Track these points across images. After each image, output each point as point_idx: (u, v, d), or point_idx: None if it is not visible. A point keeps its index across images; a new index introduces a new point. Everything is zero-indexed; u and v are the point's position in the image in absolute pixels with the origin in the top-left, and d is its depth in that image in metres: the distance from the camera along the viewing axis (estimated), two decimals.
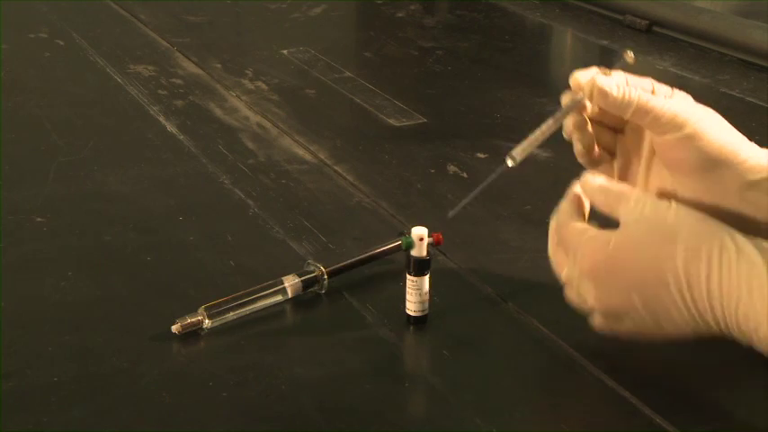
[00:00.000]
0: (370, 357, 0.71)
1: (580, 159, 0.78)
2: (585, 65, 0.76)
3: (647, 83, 0.74)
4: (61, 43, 1.39)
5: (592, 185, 0.72)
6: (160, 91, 1.21)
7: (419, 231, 0.74)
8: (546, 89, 1.26)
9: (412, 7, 1.63)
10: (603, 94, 0.72)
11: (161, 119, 1.13)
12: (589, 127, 0.76)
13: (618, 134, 0.77)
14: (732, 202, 0.72)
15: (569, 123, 0.76)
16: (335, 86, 1.26)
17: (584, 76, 0.74)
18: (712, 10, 1.45)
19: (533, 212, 0.93)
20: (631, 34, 1.45)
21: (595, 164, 0.78)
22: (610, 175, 0.78)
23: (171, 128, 1.10)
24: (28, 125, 1.11)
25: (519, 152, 0.75)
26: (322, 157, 1.04)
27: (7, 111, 1.14)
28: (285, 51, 1.39)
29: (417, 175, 1.01)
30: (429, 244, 0.74)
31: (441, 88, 1.28)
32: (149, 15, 1.53)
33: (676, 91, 0.74)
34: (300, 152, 1.05)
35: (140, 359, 0.69)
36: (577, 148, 0.77)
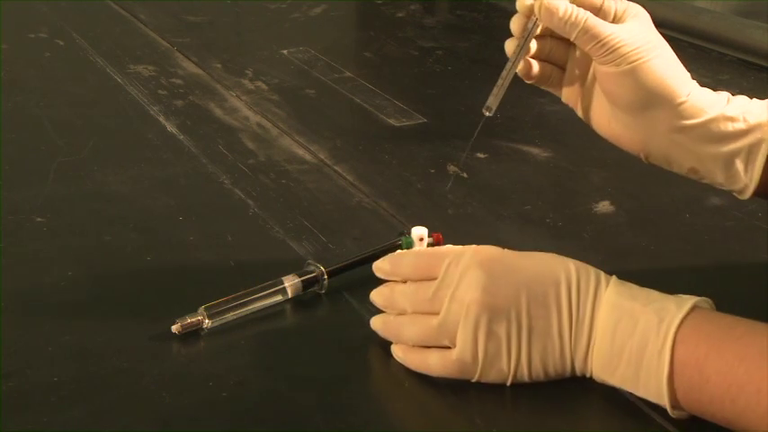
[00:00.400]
0: (370, 357, 0.71)
1: (524, 79, 0.77)
2: None
3: None
4: (61, 43, 1.39)
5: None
6: (160, 91, 1.21)
7: (419, 231, 0.74)
8: None
9: (412, 7, 1.63)
10: (550, 12, 0.71)
11: (161, 119, 1.13)
12: (531, 49, 0.75)
13: (571, 47, 0.76)
14: (661, 143, 0.73)
15: (510, 47, 0.75)
16: (335, 86, 1.26)
17: None
18: (712, 10, 1.45)
19: (533, 212, 0.93)
20: None
21: (542, 81, 0.77)
22: (558, 92, 0.78)
23: (171, 128, 1.10)
24: (28, 125, 1.11)
25: (492, 101, 0.75)
26: (322, 157, 1.04)
27: (7, 111, 1.14)
28: (285, 51, 1.39)
29: (417, 175, 1.01)
30: (429, 244, 0.74)
31: (441, 88, 1.28)
32: (149, 15, 1.53)
33: (631, 7, 0.73)
34: (300, 152, 1.05)
35: (140, 359, 0.69)
36: (518, 69, 0.76)
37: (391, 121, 1.15)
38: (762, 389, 0.57)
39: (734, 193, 0.75)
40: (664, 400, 0.61)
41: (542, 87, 0.78)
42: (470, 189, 0.97)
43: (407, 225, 0.88)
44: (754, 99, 0.74)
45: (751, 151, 0.72)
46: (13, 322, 0.73)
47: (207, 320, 0.72)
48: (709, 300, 0.64)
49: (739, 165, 0.72)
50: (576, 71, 0.76)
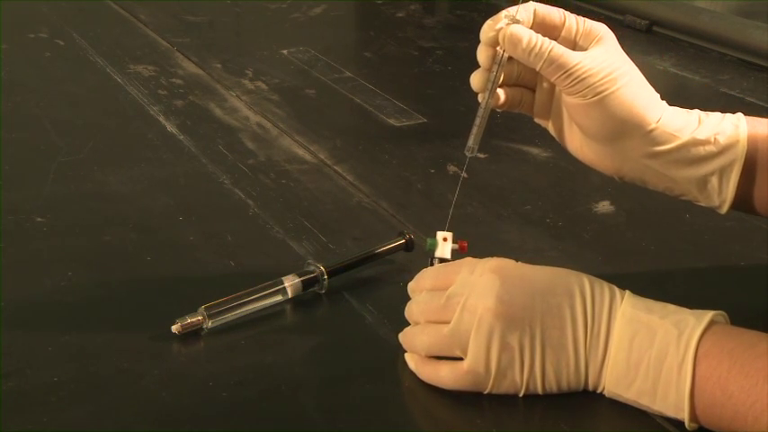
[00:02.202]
0: (370, 357, 0.71)
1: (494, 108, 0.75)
2: None
3: (558, 13, 0.71)
4: (61, 43, 1.39)
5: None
6: (160, 91, 1.21)
7: (444, 233, 0.74)
8: None
9: (412, 7, 1.63)
10: (513, 42, 0.69)
11: (161, 119, 1.13)
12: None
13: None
14: (634, 167, 0.73)
15: (478, 80, 0.73)
16: (335, 86, 1.26)
17: (497, 25, 0.70)
18: (712, 10, 1.45)
19: (533, 212, 0.93)
20: (631, 34, 1.45)
21: (513, 106, 0.75)
22: (530, 114, 0.76)
23: (171, 128, 1.10)
24: (28, 125, 1.11)
25: (473, 141, 0.74)
26: (322, 157, 1.04)
27: (7, 111, 1.14)
28: (285, 51, 1.39)
29: (417, 175, 1.01)
30: (453, 250, 0.73)
31: (441, 88, 1.28)
32: (149, 15, 1.53)
33: (595, 28, 0.71)
34: (300, 152, 1.05)
35: (140, 359, 0.69)
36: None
37: (391, 121, 1.15)
38: None
39: (714, 209, 0.75)
40: (683, 414, 0.61)
41: (514, 111, 0.76)
42: (470, 189, 0.97)
43: (407, 225, 0.88)
44: (727, 115, 0.73)
45: (724, 172, 0.71)
46: (13, 322, 0.73)
47: (207, 320, 0.72)
48: (724, 313, 0.64)
49: (713, 185, 0.72)
50: (546, 97, 0.75)
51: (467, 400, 0.66)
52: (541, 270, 0.67)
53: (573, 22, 0.71)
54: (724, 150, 0.71)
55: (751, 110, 0.74)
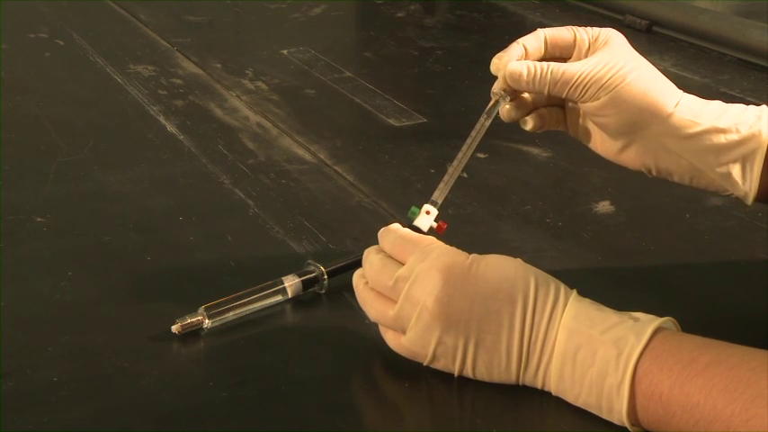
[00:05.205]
0: (370, 357, 0.71)
1: (537, 131, 0.78)
2: None
3: (567, 32, 0.73)
4: (61, 43, 1.39)
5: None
6: (160, 91, 1.21)
7: (429, 207, 0.74)
8: None
9: (412, 7, 1.63)
10: (515, 79, 0.72)
11: (161, 119, 1.13)
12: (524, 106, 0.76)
13: None
14: (659, 157, 0.73)
15: (507, 116, 0.76)
16: (335, 86, 1.26)
17: (499, 65, 0.73)
18: (712, 10, 1.45)
19: (533, 212, 0.93)
20: (631, 34, 1.45)
21: (552, 125, 0.78)
22: (566, 130, 0.79)
23: (171, 128, 1.10)
24: (28, 125, 1.11)
25: (437, 194, 0.75)
26: (322, 157, 1.04)
27: (7, 111, 1.14)
28: (285, 51, 1.39)
29: (417, 175, 1.01)
30: (431, 227, 0.74)
31: (441, 88, 1.28)
32: (149, 15, 1.53)
33: (603, 33, 0.73)
34: (300, 152, 1.05)
35: (140, 359, 0.69)
36: (526, 127, 0.77)
37: (391, 121, 1.15)
38: (729, 427, 0.56)
39: (740, 199, 0.75)
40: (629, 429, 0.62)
41: (553, 129, 0.79)
42: (470, 189, 0.97)
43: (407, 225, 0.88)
44: (750, 106, 0.73)
45: (746, 161, 0.72)
46: (13, 322, 0.73)
47: (207, 320, 0.72)
48: (673, 320, 0.64)
49: (736, 174, 0.72)
50: (573, 112, 0.78)
51: (467, 400, 0.66)
52: (490, 269, 0.66)
53: (583, 35, 0.73)
54: (746, 140, 0.71)
55: None
